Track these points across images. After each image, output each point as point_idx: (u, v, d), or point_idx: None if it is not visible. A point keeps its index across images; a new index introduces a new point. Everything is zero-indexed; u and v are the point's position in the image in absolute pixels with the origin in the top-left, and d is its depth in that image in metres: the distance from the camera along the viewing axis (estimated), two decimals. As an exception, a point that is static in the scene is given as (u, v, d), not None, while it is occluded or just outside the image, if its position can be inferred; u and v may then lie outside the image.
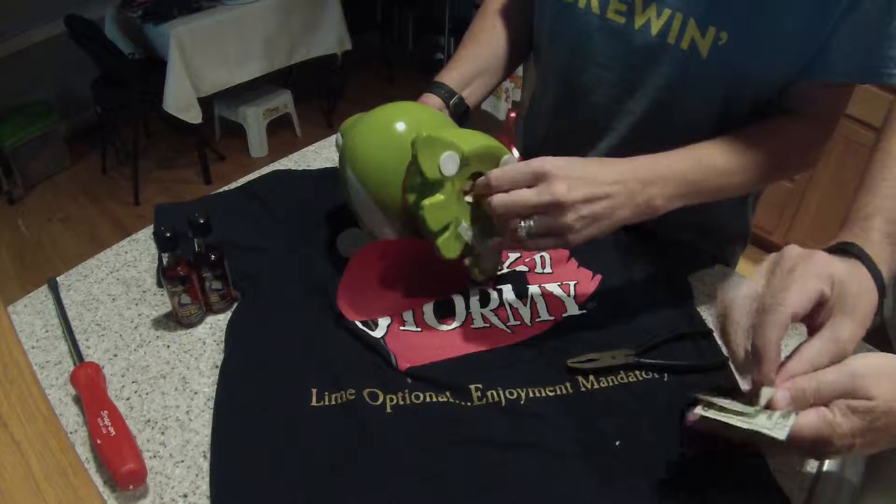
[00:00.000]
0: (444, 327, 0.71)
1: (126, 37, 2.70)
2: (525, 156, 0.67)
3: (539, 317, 0.72)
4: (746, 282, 0.51)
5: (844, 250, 0.52)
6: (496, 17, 0.86)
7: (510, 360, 0.67)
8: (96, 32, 2.50)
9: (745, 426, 0.46)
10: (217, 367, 0.65)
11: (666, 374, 0.66)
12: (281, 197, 0.86)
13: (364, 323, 0.69)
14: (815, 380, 0.45)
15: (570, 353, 0.66)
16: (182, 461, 0.58)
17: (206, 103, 2.62)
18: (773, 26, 0.63)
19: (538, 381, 0.64)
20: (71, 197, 2.81)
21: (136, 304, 0.74)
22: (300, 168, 0.97)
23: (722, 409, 0.49)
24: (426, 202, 0.61)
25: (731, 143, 0.66)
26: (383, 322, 0.70)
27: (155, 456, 0.58)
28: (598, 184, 0.58)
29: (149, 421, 0.61)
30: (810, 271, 0.48)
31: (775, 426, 0.45)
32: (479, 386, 0.63)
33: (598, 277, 0.77)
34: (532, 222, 0.58)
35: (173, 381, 0.65)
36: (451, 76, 0.80)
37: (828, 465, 0.59)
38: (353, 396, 0.61)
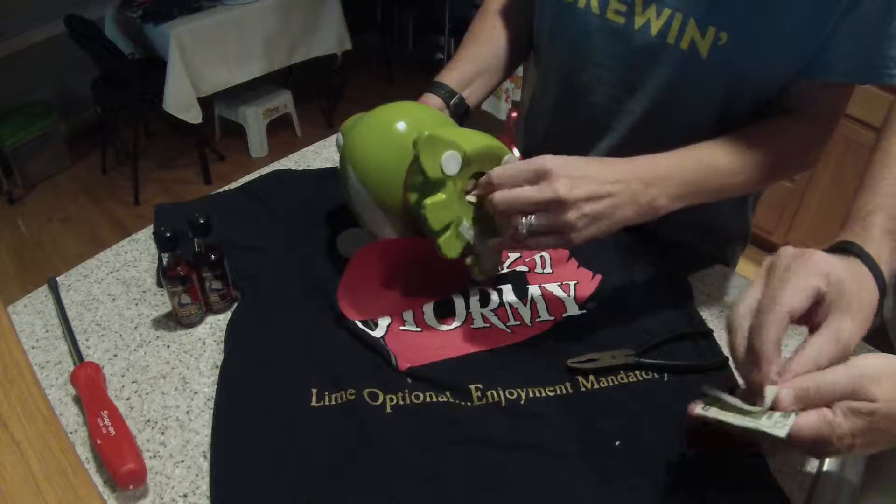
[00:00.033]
0: (444, 327, 0.71)
1: (126, 37, 2.70)
2: (525, 156, 0.67)
3: (539, 317, 0.72)
4: (753, 286, 0.51)
5: (844, 249, 0.52)
6: (496, 18, 0.86)
7: (510, 360, 0.67)
8: (96, 32, 2.50)
9: (744, 425, 0.46)
10: (217, 367, 0.65)
11: (666, 374, 0.66)
12: (281, 197, 0.86)
13: (364, 323, 0.69)
14: (818, 379, 0.45)
15: (570, 353, 0.66)
16: (182, 461, 0.58)
17: (206, 103, 2.62)
18: (772, 26, 0.63)
19: (538, 381, 0.64)
20: (71, 197, 2.81)
21: (136, 304, 0.74)
22: (300, 168, 0.97)
23: (723, 406, 0.49)
24: (428, 201, 0.61)
25: (732, 143, 0.66)
26: (383, 322, 0.70)
27: (155, 456, 0.58)
28: (600, 182, 0.58)
29: (149, 421, 0.61)
30: (805, 269, 0.48)
31: (775, 425, 0.45)
32: (479, 386, 0.63)
33: (598, 277, 0.77)
34: (533, 219, 0.58)
35: (173, 381, 0.65)
36: (451, 76, 0.80)
37: (828, 465, 0.59)
38: (353, 396, 0.61)
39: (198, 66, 2.52)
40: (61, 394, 0.63)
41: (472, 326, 0.71)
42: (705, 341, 0.70)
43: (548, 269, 0.79)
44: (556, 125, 0.86)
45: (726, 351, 0.67)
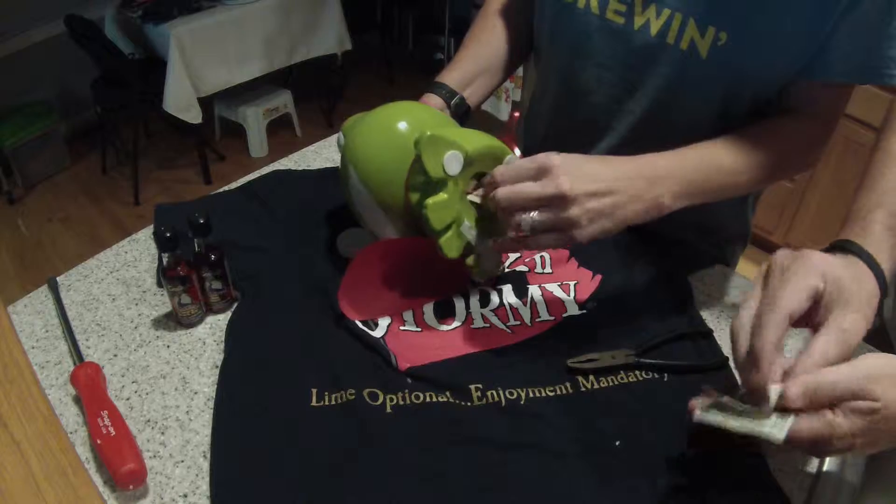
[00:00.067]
0: (445, 327, 0.71)
1: (126, 37, 2.70)
2: (525, 156, 0.67)
3: (539, 317, 0.72)
4: (752, 292, 0.51)
5: (842, 247, 0.52)
6: (496, 18, 0.86)
7: (510, 360, 0.67)
8: (96, 32, 2.50)
9: (744, 430, 0.46)
10: (217, 367, 0.65)
11: (666, 374, 0.66)
12: (281, 197, 0.86)
13: (364, 323, 0.69)
14: (822, 378, 0.45)
15: (570, 353, 0.66)
16: (182, 461, 0.58)
17: (206, 103, 2.62)
18: (772, 26, 0.63)
19: (538, 381, 0.64)
20: (71, 197, 2.81)
21: (136, 304, 0.74)
22: (300, 168, 0.97)
23: (723, 409, 0.49)
24: (429, 201, 0.61)
25: (733, 143, 0.66)
26: (383, 322, 0.70)
27: (155, 456, 0.58)
28: (603, 179, 0.58)
29: (149, 421, 0.61)
30: (803, 270, 0.48)
31: (774, 426, 0.45)
32: (479, 386, 0.63)
33: (598, 277, 0.77)
34: (536, 215, 0.57)
35: (173, 381, 0.65)
36: (452, 76, 0.80)
37: (828, 465, 0.59)
38: (353, 396, 0.61)
39: (198, 66, 2.52)
40: (61, 394, 0.63)
41: (472, 326, 0.71)
42: (705, 341, 0.70)
43: (548, 269, 0.79)
44: (556, 125, 0.86)
45: (726, 351, 0.67)
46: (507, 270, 0.78)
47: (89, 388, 0.61)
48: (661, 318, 0.72)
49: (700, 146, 0.65)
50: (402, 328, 0.70)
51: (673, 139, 0.65)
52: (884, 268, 0.51)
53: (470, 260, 0.67)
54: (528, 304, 0.74)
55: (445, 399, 0.62)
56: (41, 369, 0.66)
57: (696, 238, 0.86)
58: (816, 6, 0.61)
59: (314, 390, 0.62)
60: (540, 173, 0.57)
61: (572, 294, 0.75)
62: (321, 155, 1.02)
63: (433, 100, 0.78)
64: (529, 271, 0.78)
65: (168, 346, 0.69)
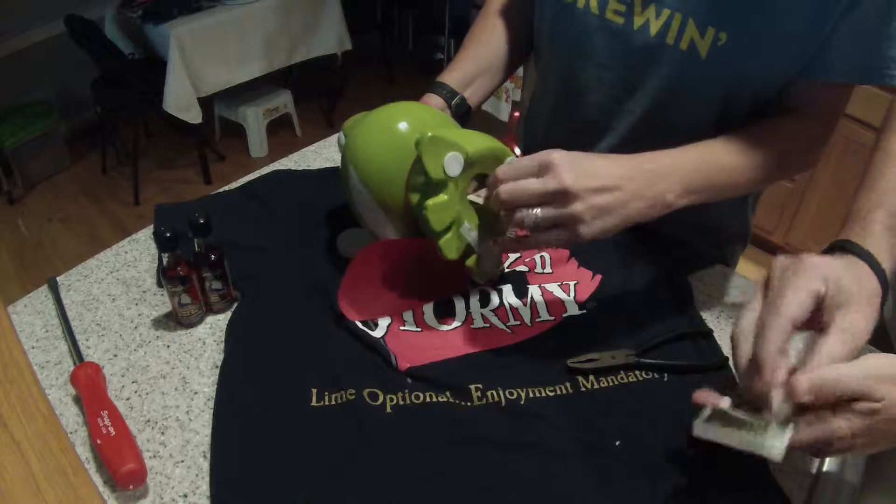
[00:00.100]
0: (444, 327, 0.71)
1: (126, 37, 2.70)
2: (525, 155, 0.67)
3: (539, 317, 0.72)
4: (752, 301, 0.51)
5: (841, 248, 0.52)
6: (497, 18, 0.86)
7: (510, 360, 0.67)
8: (96, 32, 2.50)
9: (743, 447, 0.47)
10: (217, 367, 0.65)
11: (666, 374, 0.66)
12: (281, 197, 0.86)
13: (364, 323, 0.69)
14: (828, 375, 0.45)
15: (570, 353, 0.66)
16: (182, 461, 0.58)
17: (206, 103, 2.62)
18: (772, 26, 0.63)
19: (538, 381, 0.64)
20: (71, 197, 2.81)
21: (136, 304, 0.74)
22: (300, 168, 0.97)
23: (724, 416, 0.49)
24: (429, 202, 0.61)
25: (733, 142, 0.66)
26: (383, 322, 0.70)
27: (155, 456, 0.58)
28: (606, 176, 0.57)
29: (149, 421, 0.61)
30: (804, 274, 0.48)
31: (774, 437, 0.46)
32: (479, 386, 0.63)
33: (598, 277, 0.77)
34: (539, 212, 0.57)
35: (173, 381, 0.65)
36: (452, 76, 0.80)
37: (828, 465, 0.59)
38: (353, 396, 0.61)
39: (198, 66, 2.52)
40: (61, 394, 0.63)
41: (472, 326, 0.71)
42: (705, 341, 0.70)
43: (548, 269, 0.79)
44: (556, 125, 0.86)
45: (727, 351, 0.67)
46: (507, 270, 0.78)
47: (89, 388, 0.61)
48: (661, 318, 0.72)
49: (700, 145, 0.65)
50: (402, 328, 0.70)
51: (673, 139, 0.65)
52: (884, 265, 0.51)
53: (470, 261, 0.68)
54: (528, 304, 0.74)
55: (445, 399, 0.62)
56: (41, 369, 0.66)
57: (696, 238, 0.86)
58: (816, 6, 0.61)
59: (314, 390, 0.62)
60: (542, 170, 0.57)
61: (572, 294, 0.75)
62: (321, 155, 1.02)
63: (434, 100, 0.78)
64: (529, 271, 0.78)
65: (168, 346, 0.69)
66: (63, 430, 0.59)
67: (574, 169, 0.56)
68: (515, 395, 0.63)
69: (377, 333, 0.68)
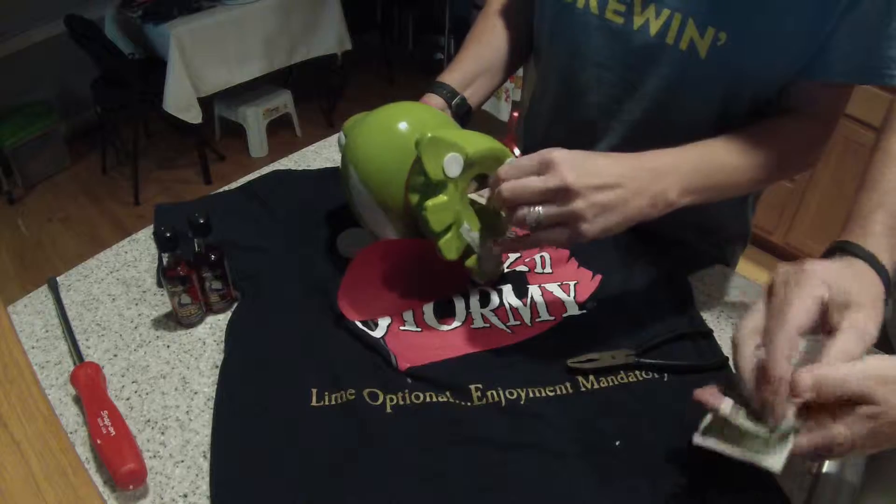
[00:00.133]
0: (444, 327, 0.71)
1: (126, 37, 2.70)
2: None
3: (539, 317, 0.72)
4: (755, 309, 0.51)
5: (841, 249, 0.52)
6: (497, 18, 0.86)
7: (510, 360, 0.67)
8: (96, 32, 2.50)
9: (743, 458, 0.48)
10: (217, 367, 0.65)
11: (666, 374, 0.66)
12: (281, 197, 0.86)
13: (364, 323, 0.69)
14: (833, 372, 0.45)
15: (570, 353, 0.66)
16: (182, 461, 0.58)
17: (206, 103, 2.62)
18: (772, 26, 0.63)
19: (538, 381, 0.64)
20: (71, 197, 2.81)
21: (136, 304, 0.74)
22: (300, 168, 0.97)
23: (725, 425, 0.50)
24: (429, 203, 0.61)
25: (733, 142, 0.66)
26: (383, 322, 0.70)
27: (155, 456, 0.58)
28: (607, 174, 0.57)
29: (149, 421, 0.61)
30: (805, 282, 0.48)
31: (774, 449, 0.46)
32: (479, 386, 0.63)
33: (598, 277, 0.77)
34: (541, 209, 0.56)
35: (173, 381, 0.65)
36: (452, 76, 0.80)
37: (828, 465, 0.59)
38: (353, 396, 0.61)
39: (198, 66, 2.52)
40: (61, 394, 0.63)
41: (472, 326, 0.71)
42: (705, 341, 0.70)
43: (548, 269, 0.79)
44: (556, 125, 0.86)
45: (727, 351, 0.67)
46: (507, 270, 0.78)
47: (89, 388, 0.61)
48: (661, 318, 0.72)
49: (701, 144, 0.65)
50: (402, 328, 0.70)
51: (673, 139, 0.65)
52: (885, 265, 0.51)
53: (470, 261, 0.68)
54: (528, 304, 0.74)
55: (445, 399, 0.62)
56: (41, 369, 0.66)
57: (696, 238, 0.86)
58: (816, 6, 0.61)
59: (314, 390, 0.62)
60: (543, 168, 0.57)
61: (572, 294, 0.75)
62: (321, 155, 1.02)
63: (434, 100, 0.78)
64: (529, 271, 0.78)
65: (168, 346, 0.69)
66: (63, 430, 0.59)
67: (575, 166, 0.56)
68: (515, 395, 0.63)
69: (377, 333, 0.68)
